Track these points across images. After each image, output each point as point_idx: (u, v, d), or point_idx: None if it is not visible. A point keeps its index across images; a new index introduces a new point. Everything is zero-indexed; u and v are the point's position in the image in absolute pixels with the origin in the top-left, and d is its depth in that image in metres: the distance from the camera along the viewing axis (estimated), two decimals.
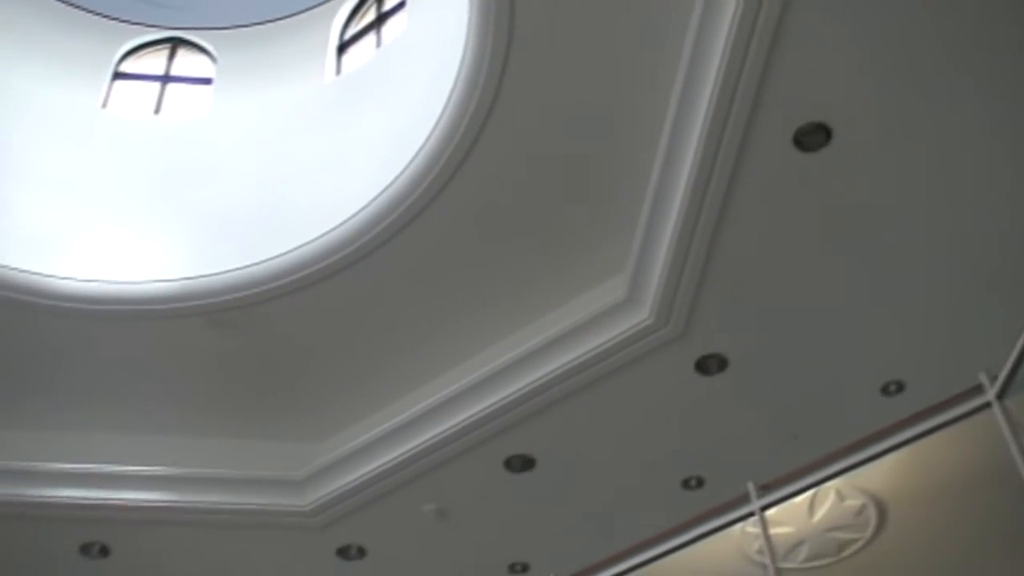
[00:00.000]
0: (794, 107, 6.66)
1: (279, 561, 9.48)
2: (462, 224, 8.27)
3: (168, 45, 11.56)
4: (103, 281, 8.94)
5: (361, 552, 9.40)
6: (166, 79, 11.32)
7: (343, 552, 9.38)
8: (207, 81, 11.21)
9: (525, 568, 9.54)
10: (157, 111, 11.03)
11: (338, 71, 10.86)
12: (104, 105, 10.82)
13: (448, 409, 8.66)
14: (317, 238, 8.68)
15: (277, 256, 8.80)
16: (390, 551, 9.43)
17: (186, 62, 11.48)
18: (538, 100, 7.59)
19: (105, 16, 11.25)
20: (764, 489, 6.01)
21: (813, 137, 6.79)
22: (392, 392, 9.07)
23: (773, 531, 6.03)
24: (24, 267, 8.84)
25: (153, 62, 11.46)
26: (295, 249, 8.74)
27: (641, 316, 7.98)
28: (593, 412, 8.52)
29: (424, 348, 8.90)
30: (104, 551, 9.20)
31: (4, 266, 8.76)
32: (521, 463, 8.84)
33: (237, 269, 8.86)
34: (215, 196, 9.82)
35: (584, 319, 8.34)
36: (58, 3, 10.98)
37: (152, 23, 11.49)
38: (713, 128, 6.75)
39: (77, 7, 11.14)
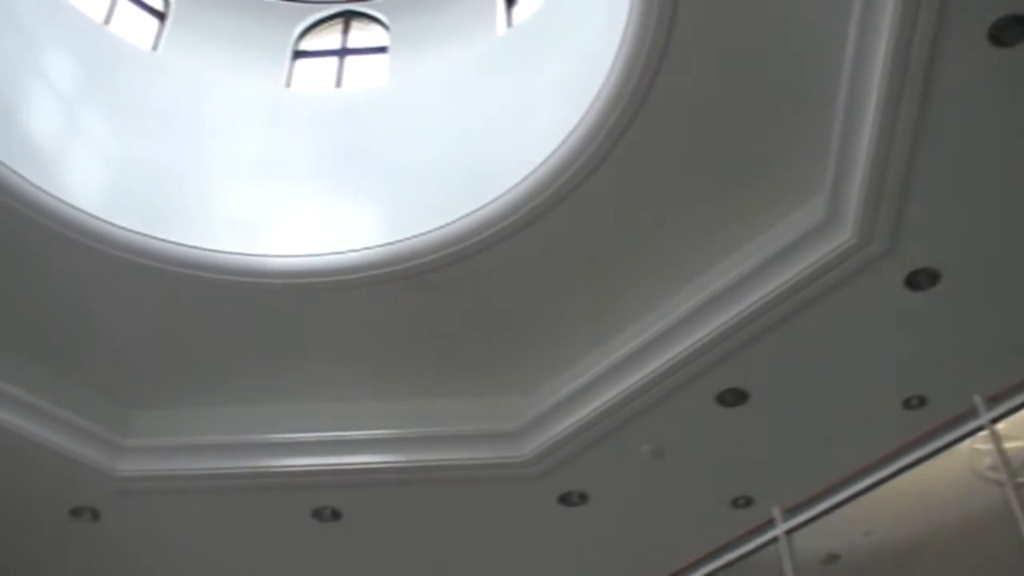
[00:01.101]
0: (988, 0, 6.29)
1: (503, 513, 9.64)
2: (651, 162, 8.14)
3: (342, 19, 11.77)
4: (307, 255, 9.20)
5: (583, 498, 9.47)
6: (343, 52, 11.55)
7: (564, 499, 9.47)
8: (383, 50, 11.39)
9: (748, 501, 9.42)
10: (338, 84, 11.27)
11: (509, 23, 10.85)
12: (288, 84, 11.14)
13: (656, 347, 8.59)
14: (508, 191, 8.69)
15: (470, 213, 8.85)
16: (611, 494, 9.46)
17: (361, 34, 11.68)
18: (713, 29, 7.37)
19: None
20: (992, 401, 5.73)
21: (1010, 31, 6.39)
22: (597, 336, 9.04)
23: (1006, 445, 5.76)
24: (232, 249, 9.18)
25: (329, 38, 11.71)
26: (487, 204, 8.78)
27: (844, 236, 7.71)
28: (803, 339, 8.32)
29: (625, 289, 8.82)
30: (336, 514, 9.57)
31: (213, 250, 9.12)
32: (734, 397, 8.72)
33: (433, 231, 8.96)
34: (402, 161, 9.97)
35: (785, 245, 8.13)
36: None
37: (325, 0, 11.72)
38: (903, 29, 6.40)
39: None
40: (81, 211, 8.86)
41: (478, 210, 8.84)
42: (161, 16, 11.10)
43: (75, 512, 9.49)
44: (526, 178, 8.60)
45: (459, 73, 10.58)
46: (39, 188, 8.70)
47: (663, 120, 7.85)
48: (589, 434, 8.95)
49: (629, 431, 8.91)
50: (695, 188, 8.30)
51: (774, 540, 6.47)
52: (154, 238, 9.03)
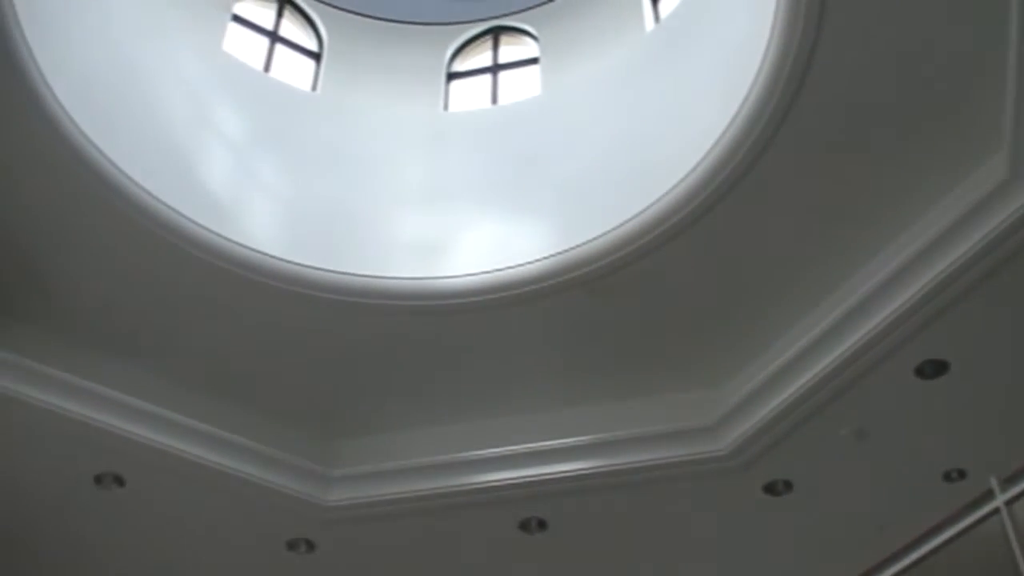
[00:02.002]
0: None
1: (709, 508, 9.53)
2: (814, 142, 7.96)
3: (491, 36, 11.89)
4: (484, 272, 9.32)
5: (788, 486, 9.28)
6: (495, 68, 11.64)
7: (770, 488, 9.29)
8: (534, 61, 11.46)
9: (962, 474, 9.06)
10: (494, 100, 11.36)
11: (656, 18, 10.79)
12: (445, 107, 11.31)
13: (846, 325, 8.31)
14: (674, 187, 8.59)
15: (639, 213, 8.79)
16: (816, 480, 9.24)
17: (511, 48, 11.78)
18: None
19: (428, 24, 11.73)
20: None
21: None
22: (784, 321, 8.85)
23: None
24: (412, 274, 9.38)
25: (480, 56, 11.84)
26: (655, 203, 8.71)
27: None
28: (1000, 301, 7.93)
29: (807, 271, 8.59)
30: (542, 524, 9.61)
31: (394, 277, 9.32)
32: (934, 368, 8.41)
33: (604, 234, 8.94)
34: (566, 168, 10.00)
35: (969, 206, 7.76)
36: (385, 23, 11.58)
37: (471, 19, 11.86)
38: None
39: (402, 22, 11.70)
40: (263, 253, 9.18)
41: (646, 209, 8.78)
42: (317, 56, 11.41)
43: (291, 545, 9.82)
44: (692, 171, 8.49)
45: (611, 74, 10.57)
46: (222, 236, 9.06)
47: (827, 95, 7.64)
48: (787, 421, 8.76)
49: (828, 414, 8.67)
50: (864, 164, 8.04)
51: (995, 512, 6.21)
52: (335, 272, 9.30)
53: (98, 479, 9.20)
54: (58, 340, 9.01)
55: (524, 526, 9.64)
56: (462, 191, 10.28)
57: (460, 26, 11.87)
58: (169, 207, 8.80)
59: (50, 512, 9.64)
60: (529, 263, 9.22)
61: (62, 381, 8.78)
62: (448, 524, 9.67)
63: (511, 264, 9.27)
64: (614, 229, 8.92)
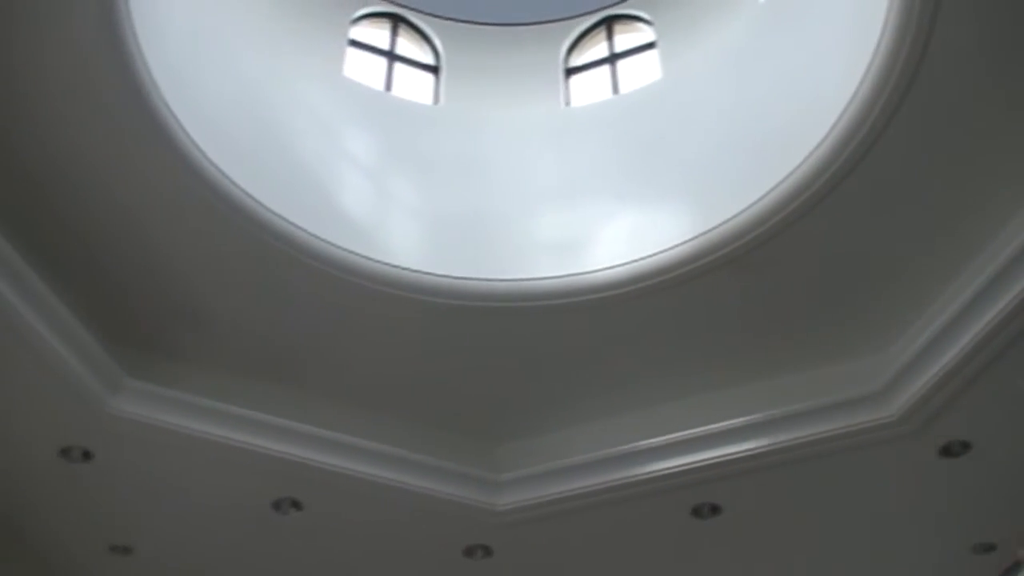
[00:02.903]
0: None
1: (884, 477, 9.27)
2: (950, 89, 7.72)
3: (604, 26, 11.87)
4: (628, 263, 9.26)
5: (965, 446, 8.91)
6: (613, 58, 11.61)
7: (946, 451, 8.93)
8: (651, 46, 11.38)
9: None
10: (615, 90, 11.33)
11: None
12: (567, 103, 11.32)
13: (1015, 270, 7.94)
14: (807, 157, 8.39)
15: (775, 187, 8.61)
16: (995, 436, 8.88)
17: (626, 36, 11.74)
18: None
19: (540, 23, 11.82)
20: None
21: None
22: (946, 274, 8.45)
23: None
24: (556, 273, 9.40)
25: (596, 47, 11.83)
26: (789, 175, 8.52)
27: None
28: None
29: (964, 218, 8.23)
30: (714, 509, 9.50)
31: (538, 278, 9.36)
32: None
33: (743, 211, 8.79)
34: (695, 150, 9.89)
35: None
36: (498, 27, 11.72)
37: (583, 11, 11.86)
38: None
39: (514, 24, 11.76)
40: (408, 269, 9.31)
41: (784, 180, 8.58)
42: (435, 70, 11.53)
43: (469, 552, 9.93)
44: (826, 137, 8.25)
45: (728, 50, 10.44)
46: (367, 257, 9.22)
47: (949, 65, 7.44)
48: (958, 378, 8.39)
49: (1001, 365, 8.30)
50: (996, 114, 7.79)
51: None
52: (480, 279, 9.38)
53: (276, 505, 9.43)
54: (221, 374, 9.28)
55: (697, 512, 9.53)
56: (594, 184, 10.25)
57: (573, 21, 11.86)
58: (312, 234, 9.00)
59: (229, 541, 9.99)
60: (671, 248, 9.13)
61: (231, 414, 9.03)
62: (620, 516, 9.61)
63: (653, 251, 9.20)
64: (754, 204, 8.75)
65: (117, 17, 7.35)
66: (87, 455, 8.90)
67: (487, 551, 9.94)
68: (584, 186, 10.25)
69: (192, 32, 9.11)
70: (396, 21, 11.77)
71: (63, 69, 7.49)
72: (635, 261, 9.20)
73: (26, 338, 7.97)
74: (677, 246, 9.12)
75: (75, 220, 8.32)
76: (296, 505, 9.44)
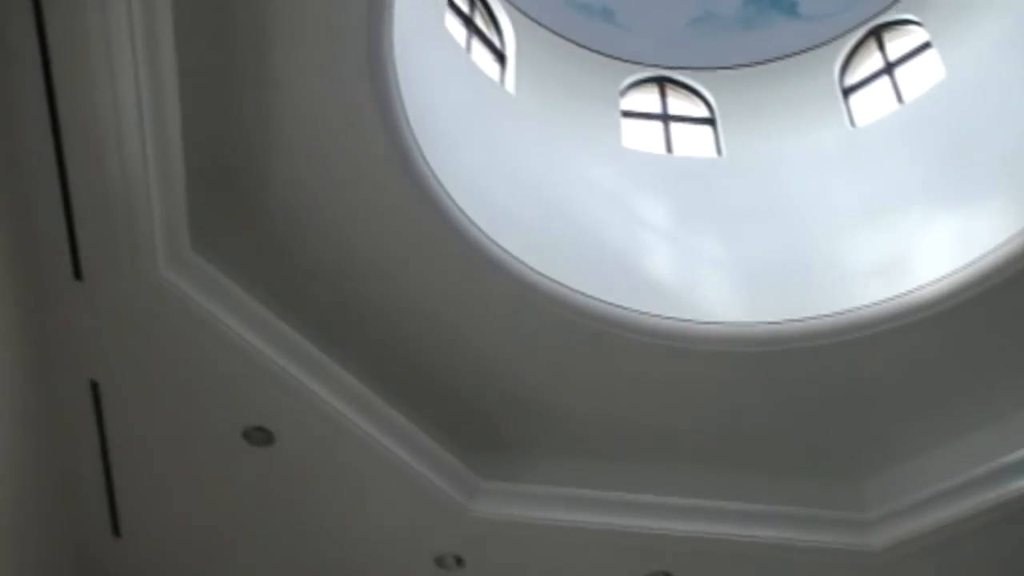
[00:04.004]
0: None
1: None
2: None
3: (873, 37, 11.57)
4: (953, 273, 8.87)
5: None
6: (890, 68, 11.28)
7: None
8: (926, 46, 10.97)
9: None
10: (900, 100, 10.95)
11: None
12: (852, 124, 11.07)
13: None
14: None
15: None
16: None
17: (898, 43, 11.41)
18: None
19: (813, 48, 11.66)
20: None
21: None
22: None
23: None
24: (878, 298, 9.14)
25: (870, 61, 11.52)
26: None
27: None
28: None
29: None
30: None
31: (863, 305, 9.13)
32: None
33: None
34: (998, 145, 9.43)
35: None
36: (769, 64, 11.58)
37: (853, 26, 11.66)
38: None
39: (779, 58, 11.68)
40: (726, 323, 9.35)
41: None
42: (711, 121, 11.58)
43: None
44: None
45: (1009, 37, 9.96)
46: (683, 319, 9.33)
47: None
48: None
49: None
50: None
51: None
52: (802, 319, 9.25)
53: None
54: (567, 460, 9.57)
55: None
56: (900, 198, 9.88)
57: (839, 40, 11.70)
58: (626, 309, 9.20)
59: None
60: (999, 247, 8.69)
61: (587, 497, 9.25)
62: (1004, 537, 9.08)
63: (980, 254, 8.78)
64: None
65: (397, 122, 7.82)
66: (459, 561, 9.34)
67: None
68: (890, 203, 9.92)
69: (466, 126, 9.57)
70: (663, 83, 11.89)
71: (356, 185, 8.08)
72: (963, 268, 8.81)
73: (389, 462, 8.67)
74: (1003, 245, 8.68)
75: (406, 344, 8.90)
76: None
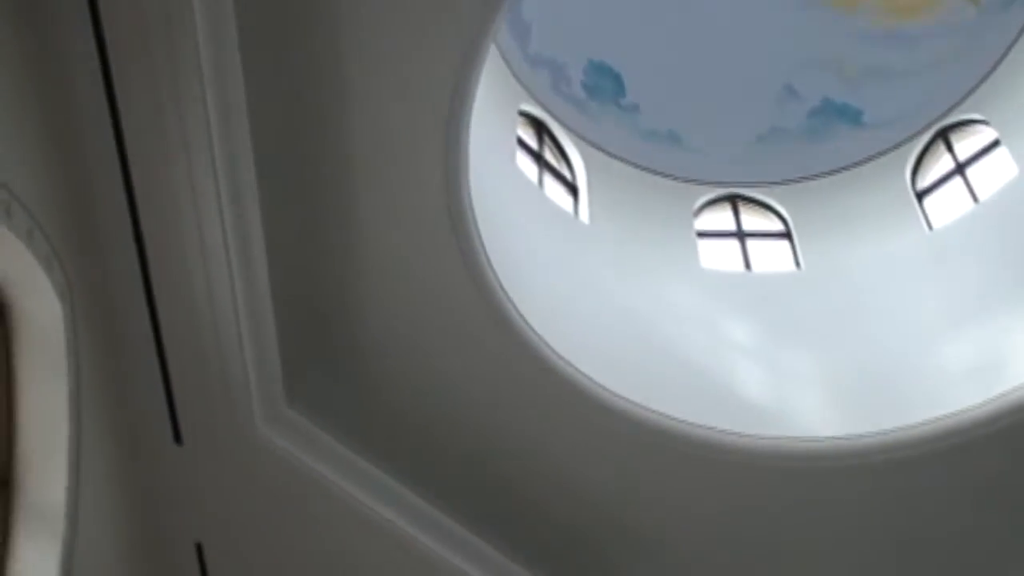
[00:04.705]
0: None
1: None
2: None
3: (940, 140, 11.61)
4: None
5: None
6: (960, 169, 11.26)
7: None
8: (996, 144, 10.96)
9: None
10: (975, 199, 10.90)
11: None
12: (930, 227, 11.00)
13: None
14: None
15: None
16: None
17: (966, 144, 11.44)
18: None
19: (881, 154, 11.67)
20: None
21: None
22: None
23: None
24: (974, 401, 8.98)
25: (939, 164, 11.53)
26: None
27: None
28: None
29: None
30: None
31: (960, 410, 8.98)
32: None
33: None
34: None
35: None
36: (829, 176, 11.70)
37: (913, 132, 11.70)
38: None
39: (848, 167, 11.75)
40: (822, 439, 9.21)
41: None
42: (787, 235, 11.59)
43: None
44: None
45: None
46: (775, 437, 9.26)
47: None
48: None
49: None
50: None
51: None
52: (901, 428, 9.12)
53: None
54: None
55: None
56: (989, 297, 9.82)
57: (907, 145, 11.83)
58: (722, 431, 9.17)
59: None
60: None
61: None
62: None
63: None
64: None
65: (483, 273, 8.06)
66: None
67: None
68: (976, 304, 9.84)
69: (546, 263, 9.75)
70: (735, 200, 11.99)
71: (445, 333, 8.27)
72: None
73: None
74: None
75: (507, 484, 8.95)
76: None
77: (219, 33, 6.04)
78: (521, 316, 8.48)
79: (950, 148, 11.53)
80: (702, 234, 11.57)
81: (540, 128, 11.39)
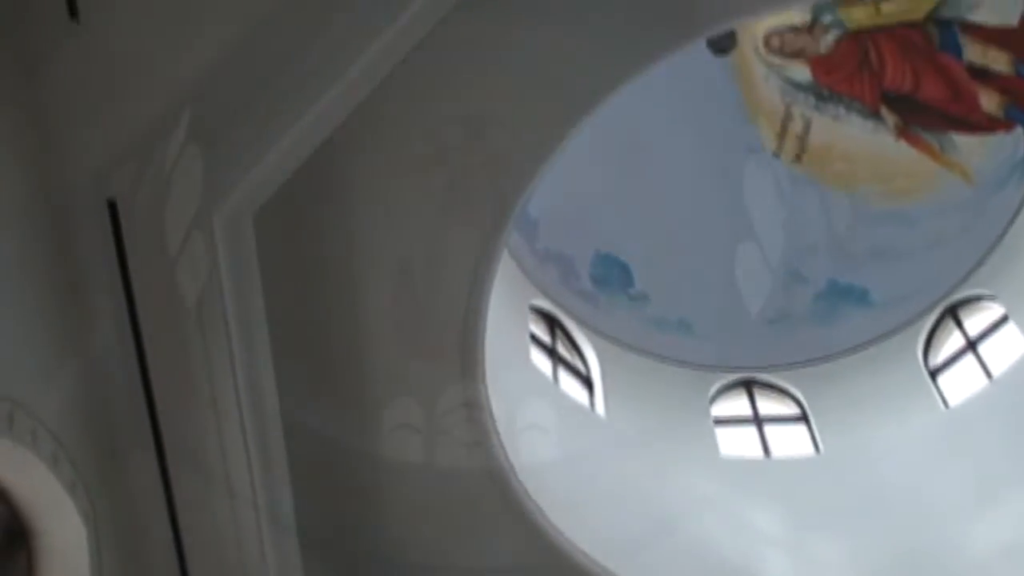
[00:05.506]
0: None
1: None
2: None
3: (950, 318, 11.72)
4: None
5: None
6: (972, 345, 11.30)
7: None
8: (1005, 320, 11.05)
9: None
10: (988, 376, 10.92)
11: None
12: (946, 405, 10.97)
13: None
14: None
15: None
16: None
17: (976, 320, 11.55)
18: None
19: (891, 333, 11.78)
20: None
21: None
22: None
23: None
24: None
25: (950, 342, 11.59)
26: None
27: None
28: None
29: None
30: None
31: None
32: None
33: None
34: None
35: None
36: (842, 358, 11.82)
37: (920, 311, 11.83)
38: None
39: (858, 347, 11.85)
40: None
41: None
42: (804, 419, 11.58)
43: None
44: None
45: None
46: None
47: None
48: None
49: None
50: None
51: None
52: None
53: None
54: None
55: None
56: (1003, 476, 9.78)
57: (916, 325, 11.94)
58: None
59: None
60: None
61: None
62: None
63: None
64: None
65: (512, 489, 8.05)
66: None
67: None
68: (999, 482, 9.78)
69: (565, 460, 9.74)
70: (750, 386, 12.02)
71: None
72: None
73: None
74: None
75: None
76: None
77: (243, 288, 6.28)
78: (540, 511, 8.45)
79: (959, 325, 11.61)
80: (719, 421, 11.55)
81: (552, 323, 11.53)
